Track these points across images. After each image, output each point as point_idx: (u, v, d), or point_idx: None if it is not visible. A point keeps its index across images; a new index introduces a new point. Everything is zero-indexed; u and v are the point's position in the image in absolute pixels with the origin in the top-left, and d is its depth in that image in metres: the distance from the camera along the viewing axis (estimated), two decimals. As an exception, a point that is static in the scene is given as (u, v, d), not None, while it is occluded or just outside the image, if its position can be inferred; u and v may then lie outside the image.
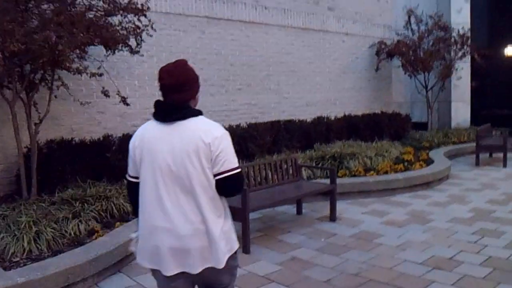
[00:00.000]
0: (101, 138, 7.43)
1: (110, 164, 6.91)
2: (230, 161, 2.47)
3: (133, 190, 2.64)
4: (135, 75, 8.57)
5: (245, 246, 4.98)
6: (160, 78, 2.57)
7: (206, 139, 2.41)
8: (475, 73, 14.64)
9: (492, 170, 9.85)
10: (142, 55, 7.34)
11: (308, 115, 11.78)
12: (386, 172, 8.19)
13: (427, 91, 13.74)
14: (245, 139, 9.19)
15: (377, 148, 9.63)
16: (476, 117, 14.89)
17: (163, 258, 2.47)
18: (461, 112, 14.97)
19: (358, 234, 5.73)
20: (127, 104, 6.74)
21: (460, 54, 13.23)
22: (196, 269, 2.45)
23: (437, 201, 7.28)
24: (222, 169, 2.45)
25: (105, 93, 6.42)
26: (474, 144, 12.16)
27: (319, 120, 11.24)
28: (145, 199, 2.53)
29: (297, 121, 10.65)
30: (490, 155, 11.45)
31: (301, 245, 5.36)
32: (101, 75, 6.24)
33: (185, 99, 2.53)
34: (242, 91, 10.51)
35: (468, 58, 13.76)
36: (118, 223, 5.38)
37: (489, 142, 10.62)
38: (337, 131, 11.34)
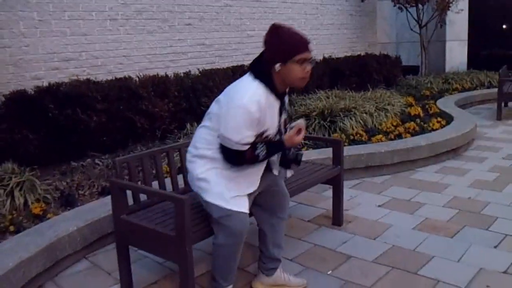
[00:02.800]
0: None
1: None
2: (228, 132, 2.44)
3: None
4: (32, 4, 5.79)
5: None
6: None
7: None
8: (474, 5, 12.26)
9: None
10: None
11: (279, 59, 9.19)
12: (398, 136, 5.76)
13: (420, 28, 11.29)
14: (197, 92, 6.59)
15: (375, 99, 7.16)
16: (473, 59, 12.64)
17: None
18: (456, 53, 12.64)
19: (389, 256, 3.32)
20: None
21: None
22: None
23: (482, 178, 4.92)
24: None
25: None
26: (482, 91, 10.04)
27: (293, 65, 8.63)
28: None
29: (266, 66, 8.03)
30: (506, 104, 9.19)
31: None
32: None
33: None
34: (192, 27, 7.82)
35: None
36: None
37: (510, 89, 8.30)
38: (317, 78, 8.82)
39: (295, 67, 2.41)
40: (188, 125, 6.23)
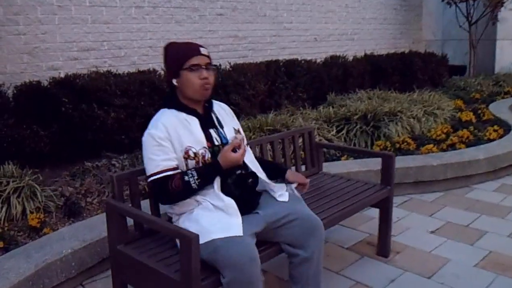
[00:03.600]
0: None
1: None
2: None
3: None
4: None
5: None
6: None
7: None
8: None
9: None
10: None
11: (317, 54, 8.57)
12: (450, 146, 5.07)
13: (470, 25, 10.45)
14: (227, 88, 6.04)
15: (422, 102, 6.46)
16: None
17: None
18: (508, 53, 11.71)
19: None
20: None
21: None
22: None
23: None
24: None
25: None
26: (538, 96, 9.11)
27: (332, 61, 8.00)
28: None
29: (302, 61, 7.42)
30: None
31: None
32: None
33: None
34: (224, 17, 7.25)
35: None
36: None
37: None
38: (358, 76, 8.16)
39: (189, 76, 2.24)
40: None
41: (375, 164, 4.27)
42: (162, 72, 5.52)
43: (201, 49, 2.26)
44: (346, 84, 7.89)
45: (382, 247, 3.20)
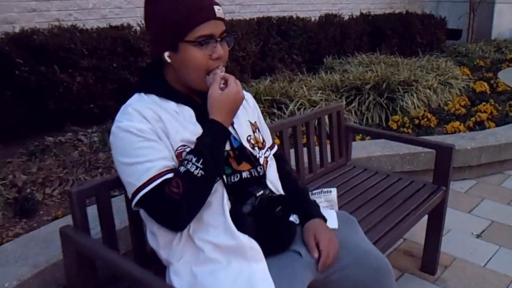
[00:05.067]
0: None
1: None
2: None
3: None
4: None
5: None
6: None
7: None
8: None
9: None
10: None
11: (310, 12, 7.72)
12: (478, 123, 4.37)
13: (470, -15, 9.71)
14: (213, 48, 5.16)
15: (433, 70, 5.73)
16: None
17: None
18: (506, 17, 11.05)
19: None
20: None
21: None
22: None
23: None
24: None
25: None
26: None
27: (328, 20, 7.16)
28: None
29: (297, 20, 6.56)
30: None
31: None
32: None
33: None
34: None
35: None
36: None
37: None
38: (356, 37, 7.37)
39: (193, 53, 1.38)
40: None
41: (400, 146, 3.55)
42: (139, 28, 4.63)
43: (216, 8, 1.40)
44: (344, 47, 7.10)
45: (429, 262, 2.50)
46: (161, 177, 1.31)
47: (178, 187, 1.28)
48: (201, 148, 1.32)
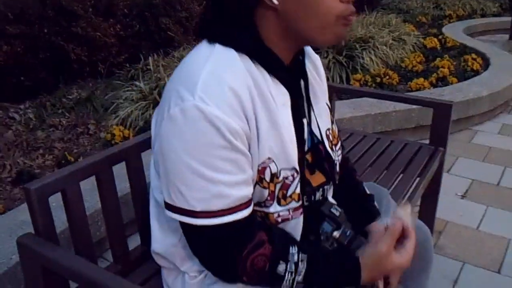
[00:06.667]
0: None
1: None
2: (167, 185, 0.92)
3: None
4: None
5: None
6: None
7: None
8: None
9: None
10: None
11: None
12: (440, 79, 4.22)
13: None
14: (154, 8, 4.77)
15: (386, 26, 5.55)
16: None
17: None
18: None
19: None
20: None
21: None
22: None
23: None
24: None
25: None
26: (482, 20, 8.62)
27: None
28: None
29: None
30: (511, 37, 7.85)
31: None
32: None
33: None
34: None
35: None
36: None
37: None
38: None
39: None
40: (144, 56, 4.41)
41: (371, 105, 3.34)
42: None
43: None
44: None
45: (425, 229, 2.30)
46: (234, 212, 0.90)
47: (258, 270, 0.93)
48: (318, 270, 0.96)
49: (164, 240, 1.07)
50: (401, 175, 2.02)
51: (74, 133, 3.18)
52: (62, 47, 3.94)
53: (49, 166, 2.76)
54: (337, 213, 1.07)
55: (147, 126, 3.14)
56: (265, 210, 0.99)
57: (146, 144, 1.36)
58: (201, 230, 0.90)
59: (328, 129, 1.13)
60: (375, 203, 1.25)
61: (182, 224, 0.93)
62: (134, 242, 1.48)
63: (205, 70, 0.87)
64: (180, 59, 4.19)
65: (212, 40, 0.93)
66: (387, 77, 4.14)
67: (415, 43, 5.44)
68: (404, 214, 1.04)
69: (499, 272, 2.13)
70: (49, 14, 3.84)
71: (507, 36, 8.02)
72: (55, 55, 3.95)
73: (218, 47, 0.92)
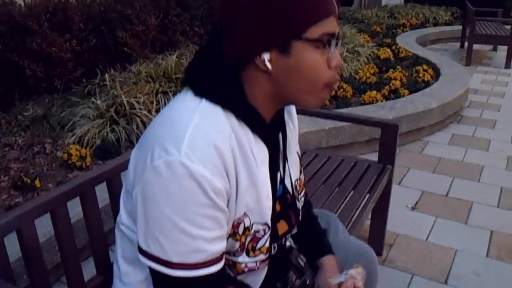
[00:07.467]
0: None
1: None
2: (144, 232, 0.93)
3: None
4: None
5: None
6: None
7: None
8: None
9: (493, 73, 6.55)
10: None
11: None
12: (392, 92, 4.37)
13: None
14: (110, 23, 4.75)
15: (340, 38, 5.68)
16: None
17: None
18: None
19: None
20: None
21: None
22: None
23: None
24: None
25: None
26: (434, 29, 8.94)
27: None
28: None
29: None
30: (462, 45, 8.17)
31: None
32: None
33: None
34: None
35: None
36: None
37: (487, 30, 7.13)
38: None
39: (311, 56, 0.93)
40: (100, 71, 4.40)
41: (325, 121, 3.44)
42: (23, 3, 4.07)
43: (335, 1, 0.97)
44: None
45: (375, 243, 2.38)
46: (209, 266, 0.93)
47: None
48: None
49: (128, 275, 1.10)
50: (352, 192, 2.12)
51: (30, 153, 3.14)
52: (17, 63, 3.90)
53: (5, 188, 2.73)
54: (302, 263, 1.15)
55: (104, 145, 3.14)
56: (234, 259, 1.04)
57: (102, 178, 1.40)
58: (175, 281, 0.92)
59: (297, 179, 1.18)
60: (324, 224, 1.36)
61: (155, 271, 0.95)
62: (91, 265, 1.50)
63: (192, 126, 0.90)
64: (136, 74, 4.19)
65: (199, 94, 0.96)
66: (341, 90, 4.26)
67: (369, 54, 5.60)
68: (356, 274, 1.13)
69: (445, 283, 2.24)
70: (3, 30, 3.79)
71: (458, 45, 8.35)
72: (9, 71, 3.90)
73: (204, 103, 0.94)
